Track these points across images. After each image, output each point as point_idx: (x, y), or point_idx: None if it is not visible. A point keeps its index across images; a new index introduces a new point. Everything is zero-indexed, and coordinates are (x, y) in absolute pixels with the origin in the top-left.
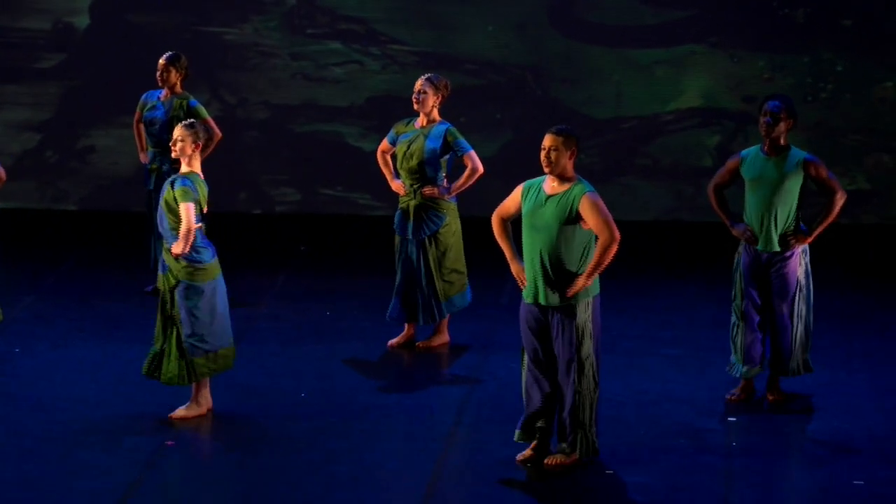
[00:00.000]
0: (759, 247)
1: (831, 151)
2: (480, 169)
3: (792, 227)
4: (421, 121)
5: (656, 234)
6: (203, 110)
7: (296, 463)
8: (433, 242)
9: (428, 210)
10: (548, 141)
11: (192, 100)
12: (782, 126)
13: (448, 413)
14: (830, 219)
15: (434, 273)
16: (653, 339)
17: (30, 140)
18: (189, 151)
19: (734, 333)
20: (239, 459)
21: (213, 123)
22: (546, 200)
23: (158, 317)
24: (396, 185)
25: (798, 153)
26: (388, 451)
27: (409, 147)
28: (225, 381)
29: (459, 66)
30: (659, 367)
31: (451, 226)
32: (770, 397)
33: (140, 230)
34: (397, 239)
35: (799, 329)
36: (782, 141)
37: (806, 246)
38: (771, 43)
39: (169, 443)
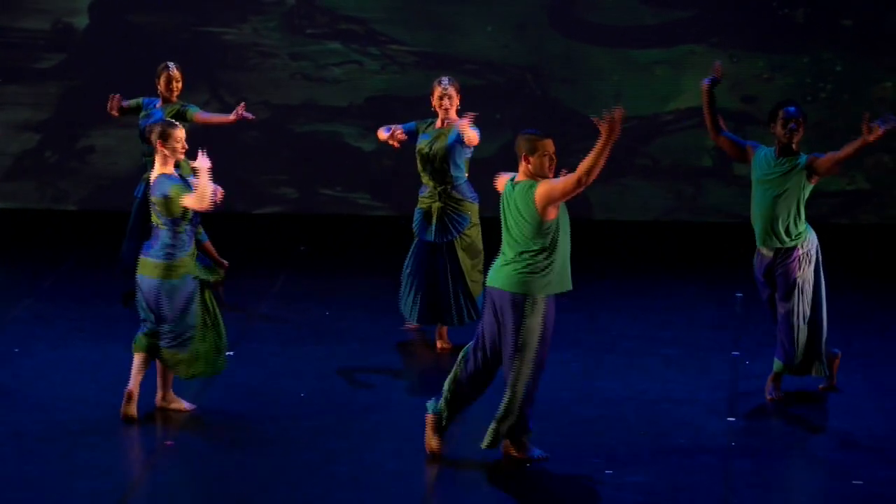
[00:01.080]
0: (761, 246)
1: (830, 151)
2: (475, 140)
3: (795, 228)
4: (439, 122)
5: (656, 234)
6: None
7: (295, 463)
8: (460, 243)
9: (451, 212)
10: (553, 147)
11: (185, 104)
12: (802, 131)
13: None
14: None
15: (465, 274)
16: (653, 339)
17: (29, 140)
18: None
19: None
20: (239, 459)
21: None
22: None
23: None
24: (384, 135)
25: (803, 157)
26: (388, 451)
27: (430, 148)
28: (225, 381)
29: (459, 67)
30: (659, 367)
31: (476, 225)
32: (769, 397)
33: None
34: (415, 240)
35: (803, 330)
36: (795, 146)
37: (811, 248)
38: (770, 43)
39: (168, 443)
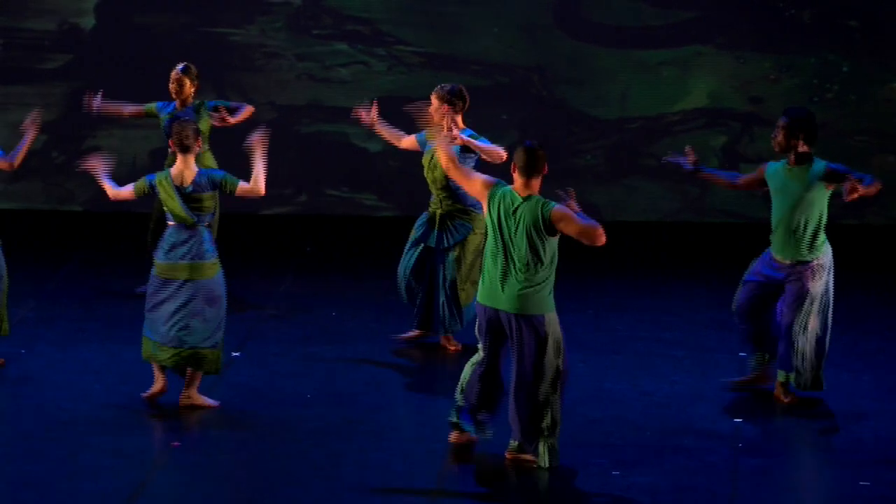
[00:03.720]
0: (777, 255)
1: (837, 153)
2: (502, 153)
3: (817, 239)
4: (445, 131)
5: (662, 235)
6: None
7: (302, 464)
8: (459, 251)
9: (454, 219)
10: None
11: (209, 102)
12: (780, 136)
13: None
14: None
15: (459, 283)
16: (658, 340)
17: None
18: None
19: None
20: (245, 460)
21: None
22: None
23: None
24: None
25: (820, 163)
26: (395, 451)
27: (433, 157)
28: (231, 382)
29: (465, 68)
30: (664, 367)
31: (478, 234)
32: (785, 400)
33: (142, 230)
34: (416, 245)
35: (811, 343)
36: (777, 149)
37: (825, 262)
38: (777, 44)
39: (175, 444)
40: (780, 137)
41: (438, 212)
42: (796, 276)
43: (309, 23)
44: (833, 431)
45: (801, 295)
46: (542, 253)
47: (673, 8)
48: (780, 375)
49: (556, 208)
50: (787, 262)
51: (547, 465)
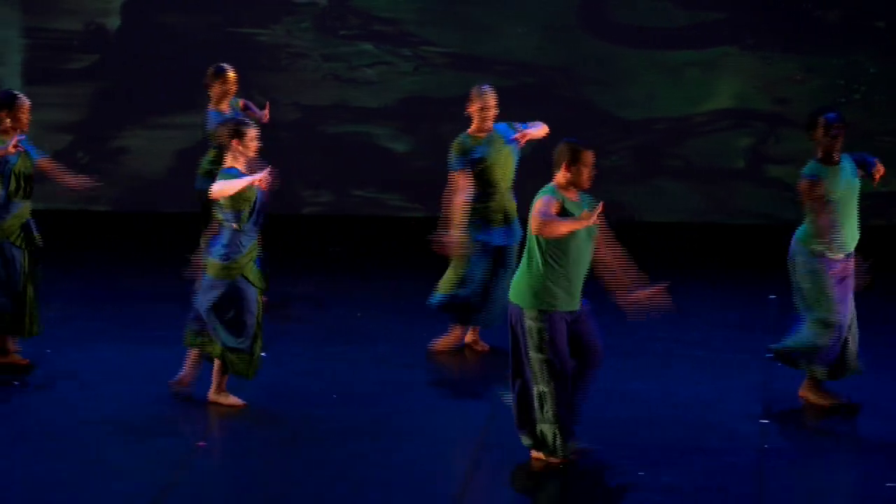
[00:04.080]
0: (833, 254)
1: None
2: (543, 127)
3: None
4: (482, 131)
5: (687, 235)
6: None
7: (327, 464)
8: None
9: (513, 214)
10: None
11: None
12: (841, 138)
13: (480, 415)
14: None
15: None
16: (682, 341)
17: (61, 141)
18: None
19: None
20: (269, 460)
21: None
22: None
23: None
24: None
25: (847, 157)
26: (420, 452)
27: (499, 154)
28: (256, 382)
29: (490, 68)
30: (688, 368)
31: None
32: (812, 399)
33: (168, 230)
34: (479, 245)
35: (855, 327)
36: (836, 156)
37: None
38: (803, 44)
39: (200, 444)
40: (842, 138)
41: (501, 212)
42: (846, 269)
43: (335, 23)
44: (860, 432)
45: (851, 285)
46: (535, 242)
47: (699, 9)
48: (821, 374)
49: (539, 199)
50: (842, 256)
51: (530, 445)
